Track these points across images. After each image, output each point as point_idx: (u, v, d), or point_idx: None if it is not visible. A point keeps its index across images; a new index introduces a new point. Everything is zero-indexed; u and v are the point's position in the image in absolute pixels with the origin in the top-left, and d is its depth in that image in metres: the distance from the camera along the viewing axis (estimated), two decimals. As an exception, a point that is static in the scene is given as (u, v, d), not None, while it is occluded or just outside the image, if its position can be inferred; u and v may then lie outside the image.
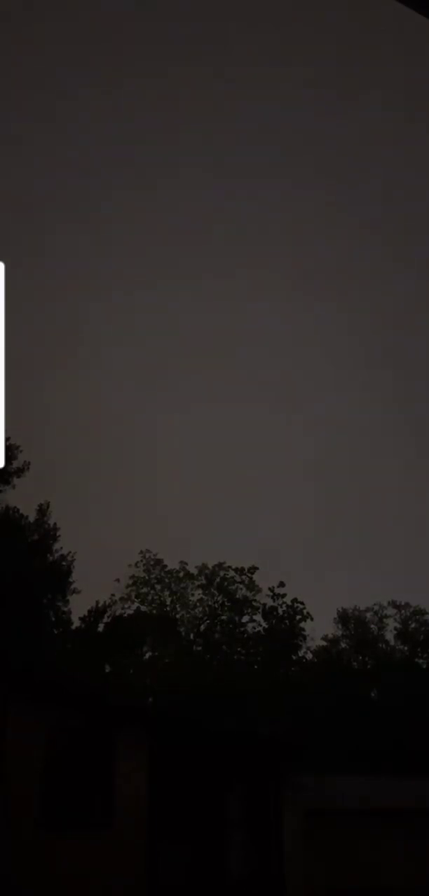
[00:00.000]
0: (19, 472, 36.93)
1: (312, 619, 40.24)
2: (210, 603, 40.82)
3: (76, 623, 38.36)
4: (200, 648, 39.54)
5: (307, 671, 39.82)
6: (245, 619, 40.17)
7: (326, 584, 51.50)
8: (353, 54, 56.31)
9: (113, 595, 40.29)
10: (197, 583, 41.42)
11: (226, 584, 40.98)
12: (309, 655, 41.77)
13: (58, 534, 39.45)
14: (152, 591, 41.16)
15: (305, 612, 39.91)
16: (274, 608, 40.01)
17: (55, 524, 39.69)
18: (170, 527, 52.88)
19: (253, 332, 68.49)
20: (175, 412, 62.61)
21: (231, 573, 41.14)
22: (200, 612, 40.82)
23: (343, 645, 47.18)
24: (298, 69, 56.10)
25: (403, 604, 47.38)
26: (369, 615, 47.59)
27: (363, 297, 70.93)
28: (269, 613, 39.99)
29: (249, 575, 40.90)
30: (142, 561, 41.30)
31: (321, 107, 59.91)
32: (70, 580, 38.48)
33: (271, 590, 40.15)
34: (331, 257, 67.16)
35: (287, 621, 39.67)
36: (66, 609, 38.21)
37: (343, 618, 47.74)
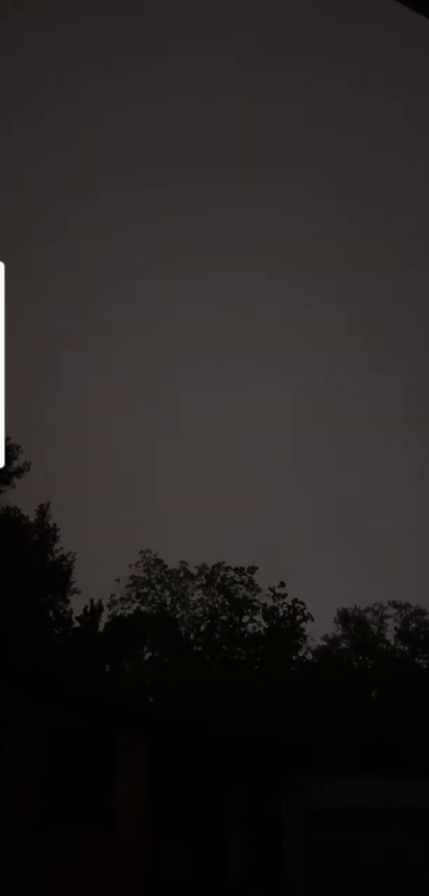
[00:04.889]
0: (19, 472, 36.93)
1: (312, 620, 40.25)
2: (210, 603, 40.77)
3: (76, 623, 38.38)
4: (200, 648, 39.49)
5: (307, 671, 39.77)
6: (245, 619, 40.13)
7: (326, 584, 51.55)
8: (353, 55, 56.31)
9: (113, 595, 40.32)
10: (197, 583, 41.37)
11: (226, 584, 40.93)
12: (309, 655, 41.75)
13: (58, 534, 39.48)
14: (152, 591, 41.12)
15: (305, 612, 39.89)
16: (274, 608, 39.97)
17: (55, 524, 39.74)
18: (170, 527, 52.93)
19: (253, 330, 68.54)
20: (175, 413, 62.65)
21: (231, 573, 41.11)
22: (200, 612, 40.76)
23: (343, 645, 47.16)
24: (298, 70, 56.13)
25: (403, 604, 47.39)
26: (369, 615, 47.58)
27: (368, 298, 70.93)
28: (269, 613, 39.94)
29: (249, 575, 40.87)
30: (142, 561, 41.28)
31: (322, 107, 59.91)
32: (70, 580, 38.51)
33: (272, 590, 40.13)
34: (331, 250, 67.17)
35: (288, 621, 39.63)
36: (66, 609, 38.24)
37: (343, 618, 47.72)
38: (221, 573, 41.24)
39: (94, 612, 39.15)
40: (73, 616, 38.48)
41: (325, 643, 46.07)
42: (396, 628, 47.14)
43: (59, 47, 52.61)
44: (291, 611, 39.80)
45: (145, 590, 40.99)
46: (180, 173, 63.42)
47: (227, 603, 40.40)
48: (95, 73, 56.33)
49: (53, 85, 56.57)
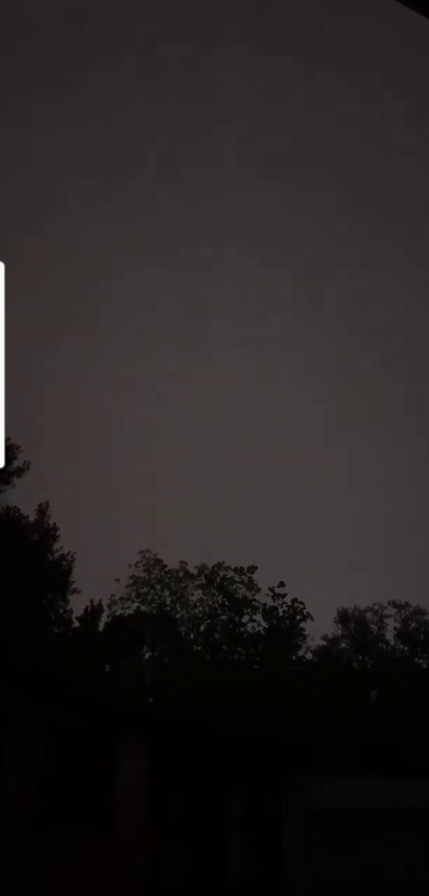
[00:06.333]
0: (19, 472, 36.94)
1: (312, 619, 40.25)
2: (210, 603, 40.77)
3: (76, 623, 38.39)
4: (200, 648, 39.49)
5: (307, 671, 39.77)
6: (245, 619, 40.13)
7: (326, 584, 51.56)
8: (353, 54, 56.34)
9: (113, 595, 40.32)
10: (197, 583, 41.37)
11: (226, 584, 40.94)
12: (309, 655, 41.77)
13: (58, 534, 39.49)
14: (152, 591, 41.12)
15: (305, 611, 39.89)
16: (274, 608, 39.97)
17: (55, 524, 39.75)
18: (170, 527, 52.95)
19: (253, 330, 68.56)
20: (175, 412, 62.70)
21: (231, 573, 41.11)
22: (200, 612, 40.76)
23: (343, 645, 47.18)
24: (298, 69, 56.17)
25: (403, 604, 47.40)
26: (369, 615, 47.60)
27: (367, 299, 70.98)
28: (269, 613, 39.94)
29: (249, 575, 40.87)
30: (142, 561, 41.27)
31: (321, 106, 59.97)
32: (70, 580, 38.52)
33: (271, 589, 40.12)
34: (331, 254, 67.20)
35: (287, 621, 39.63)
36: (66, 609, 38.25)
37: (343, 618, 47.74)
38: (221, 573, 41.24)
39: (94, 612, 39.16)
40: (74, 616, 38.52)
41: (325, 643, 46.11)
42: (396, 628, 47.19)
43: (59, 47, 52.64)
44: (290, 611, 39.80)
45: (145, 590, 40.99)
46: (180, 173, 63.45)
47: (226, 603, 40.40)
48: (95, 72, 56.30)
49: (53, 85, 56.58)
